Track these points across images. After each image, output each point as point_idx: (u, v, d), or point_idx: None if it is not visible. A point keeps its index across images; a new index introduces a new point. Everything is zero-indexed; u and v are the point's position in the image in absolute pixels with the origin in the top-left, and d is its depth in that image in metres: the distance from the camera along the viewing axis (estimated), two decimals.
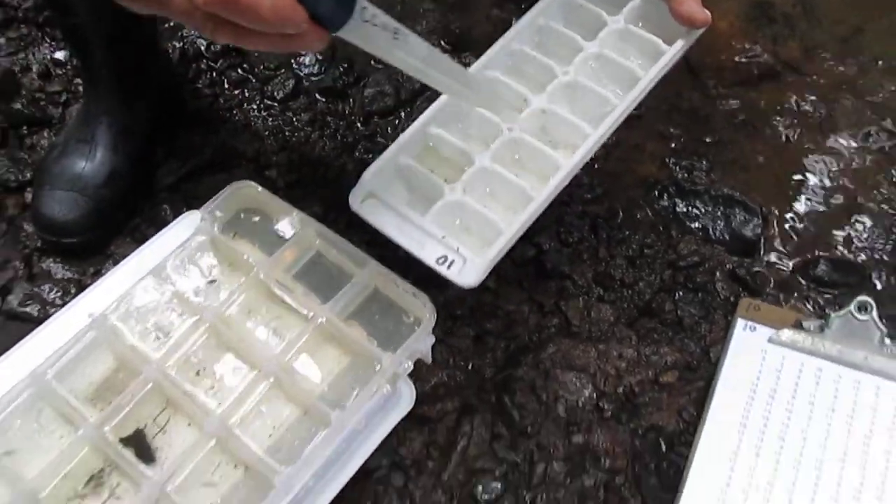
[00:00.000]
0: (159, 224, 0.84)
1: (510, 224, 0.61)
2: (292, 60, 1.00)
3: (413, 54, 0.51)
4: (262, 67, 0.99)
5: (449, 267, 0.59)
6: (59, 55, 1.02)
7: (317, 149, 0.92)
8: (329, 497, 0.63)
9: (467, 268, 0.59)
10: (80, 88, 0.96)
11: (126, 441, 0.56)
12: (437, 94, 0.67)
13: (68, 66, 1.00)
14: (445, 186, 0.64)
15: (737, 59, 1.01)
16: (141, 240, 0.81)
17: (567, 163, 0.64)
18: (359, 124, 0.94)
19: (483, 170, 0.65)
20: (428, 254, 0.60)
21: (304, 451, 0.54)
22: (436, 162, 0.67)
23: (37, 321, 0.78)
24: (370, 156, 0.90)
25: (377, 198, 0.64)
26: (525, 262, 0.82)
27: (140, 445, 0.56)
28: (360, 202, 0.63)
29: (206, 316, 0.60)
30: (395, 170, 0.66)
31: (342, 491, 0.64)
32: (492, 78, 0.69)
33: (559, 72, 0.70)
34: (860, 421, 0.71)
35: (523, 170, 0.68)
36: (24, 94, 0.97)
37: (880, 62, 1.00)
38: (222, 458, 0.55)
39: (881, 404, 0.72)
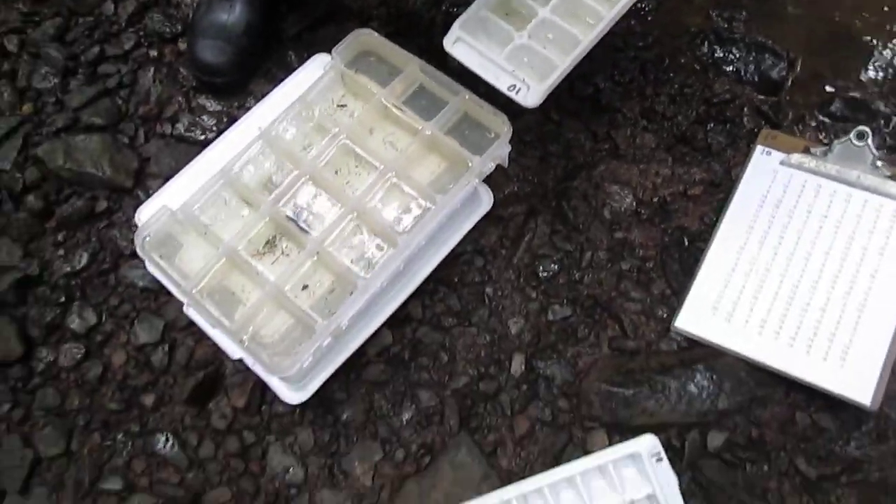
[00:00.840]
0: (286, 67, 1.04)
1: (563, 61, 0.81)
2: None
3: None
4: None
5: (517, 93, 0.80)
6: None
7: (409, 3, 1.09)
8: (428, 271, 0.87)
9: (531, 93, 0.80)
10: None
11: (290, 217, 0.79)
12: None
13: None
14: (515, 33, 0.83)
15: None
16: (272, 80, 1.02)
17: (608, 13, 0.81)
18: None
19: (543, 20, 0.84)
20: (502, 83, 0.81)
21: (419, 223, 0.76)
22: (508, 14, 0.85)
23: (200, 143, 1.02)
24: (455, 9, 1.07)
25: (464, 41, 0.83)
26: (583, 98, 1.00)
27: (299, 221, 0.79)
28: (452, 44, 0.83)
29: (340, 131, 0.82)
30: (477, 20, 0.85)
31: (436, 270, 0.87)
32: None
33: None
34: (846, 226, 0.89)
35: (575, 19, 0.85)
36: None
37: None
38: (362, 227, 0.78)
39: (865, 213, 0.90)
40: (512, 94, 0.81)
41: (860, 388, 0.81)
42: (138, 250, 0.78)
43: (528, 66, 0.84)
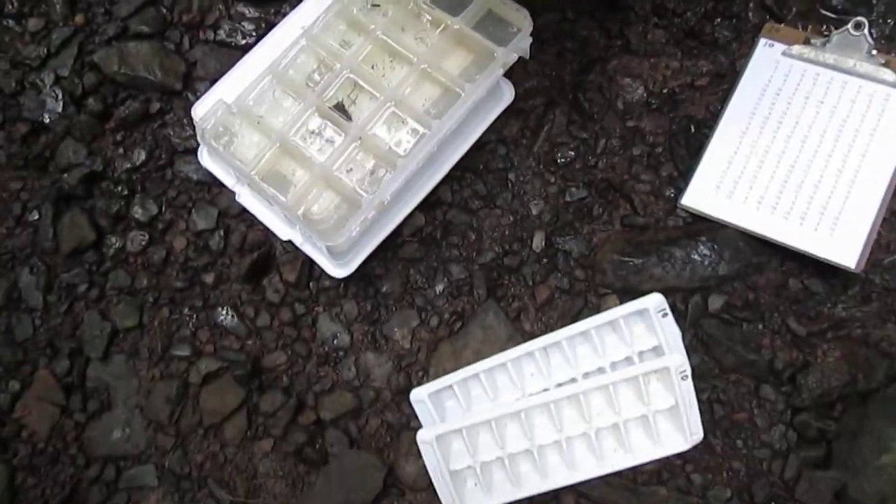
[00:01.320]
0: None
1: None
2: None
3: None
4: None
5: None
6: None
7: None
8: (456, 158, 0.96)
9: None
10: None
11: (333, 108, 0.88)
12: None
13: None
14: None
15: None
16: None
17: None
18: None
19: None
20: None
21: (449, 110, 0.85)
22: None
23: (241, 47, 1.09)
24: None
25: None
26: None
27: (342, 110, 0.88)
28: None
29: (375, 29, 0.89)
30: None
31: (463, 158, 0.96)
32: None
33: None
34: (841, 110, 0.97)
35: None
36: None
37: None
38: (399, 114, 0.87)
39: (859, 98, 0.97)
40: None
41: (847, 253, 0.90)
42: (199, 139, 0.87)
43: None
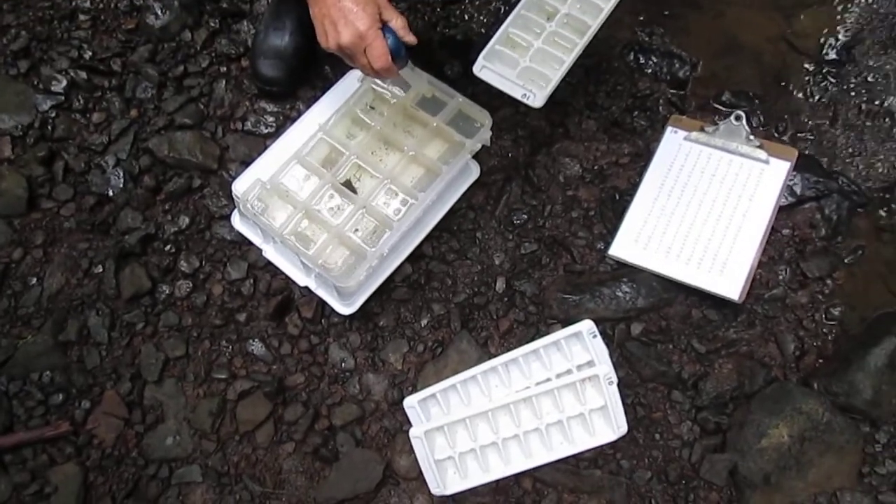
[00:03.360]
0: (324, 77, 1.40)
1: (555, 74, 1.12)
2: None
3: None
4: None
5: (527, 99, 1.12)
6: None
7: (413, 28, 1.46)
8: (435, 221, 1.24)
9: (536, 98, 1.12)
10: None
11: (343, 184, 1.16)
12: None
13: None
14: (520, 59, 1.14)
15: None
16: (314, 88, 1.39)
17: (580, 41, 1.13)
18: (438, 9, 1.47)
19: (538, 48, 1.15)
20: (516, 93, 1.13)
21: (430, 185, 1.14)
22: (514, 47, 1.17)
23: (264, 135, 1.38)
24: (447, 31, 1.43)
25: (487, 68, 1.15)
26: None
27: (350, 186, 1.17)
28: (479, 70, 1.15)
29: (374, 125, 1.19)
30: (493, 52, 1.15)
31: (441, 221, 1.25)
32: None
33: None
34: (727, 181, 1.27)
35: (558, 47, 1.16)
36: None
37: None
38: (392, 190, 1.15)
39: (741, 172, 1.28)
40: (524, 100, 1.13)
41: (733, 289, 1.19)
42: (241, 209, 1.15)
43: (532, 80, 1.14)
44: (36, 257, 1.30)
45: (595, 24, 1.14)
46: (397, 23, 1.01)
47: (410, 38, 1.02)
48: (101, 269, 1.29)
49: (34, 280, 1.28)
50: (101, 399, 1.22)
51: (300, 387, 1.22)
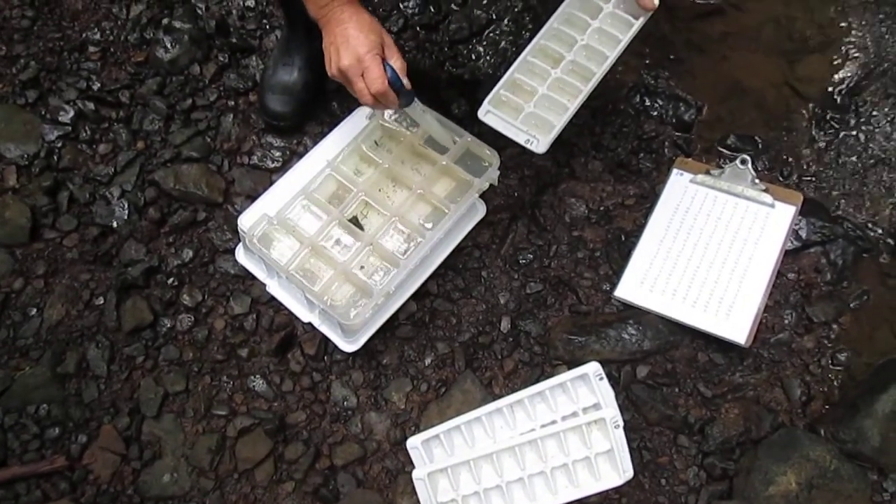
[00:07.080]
0: (330, 113, 1.41)
1: (559, 121, 1.11)
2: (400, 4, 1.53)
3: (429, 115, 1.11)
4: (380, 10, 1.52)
5: (531, 144, 1.11)
6: (250, 2, 1.55)
7: (421, 66, 1.47)
8: (441, 259, 1.24)
9: (540, 144, 1.11)
10: (268, 27, 1.51)
11: (350, 221, 1.16)
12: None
13: (255, 10, 1.53)
14: (524, 104, 1.14)
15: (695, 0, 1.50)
16: (321, 123, 1.39)
17: (585, 88, 1.14)
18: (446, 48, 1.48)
19: (543, 94, 1.16)
20: (520, 139, 1.12)
21: (438, 223, 1.13)
22: (518, 93, 1.18)
23: (270, 170, 1.38)
24: (454, 70, 1.44)
25: (492, 112, 1.14)
26: None
27: (357, 223, 1.16)
28: (484, 115, 1.14)
29: (383, 162, 1.19)
30: (499, 98, 1.15)
31: (447, 259, 1.24)
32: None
33: (578, 39, 1.19)
34: (733, 224, 1.28)
35: (564, 93, 1.17)
36: (232, 32, 1.52)
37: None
38: (399, 226, 1.15)
39: (747, 216, 1.28)
40: (528, 146, 1.12)
41: (739, 333, 1.18)
42: (247, 244, 1.15)
43: (536, 126, 1.14)
44: (37, 287, 1.29)
45: (600, 71, 1.15)
46: (396, 64, 1.04)
47: (406, 83, 1.05)
48: (102, 301, 1.28)
49: (34, 311, 1.27)
50: (98, 433, 1.20)
51: (301, 425, 1.20)
